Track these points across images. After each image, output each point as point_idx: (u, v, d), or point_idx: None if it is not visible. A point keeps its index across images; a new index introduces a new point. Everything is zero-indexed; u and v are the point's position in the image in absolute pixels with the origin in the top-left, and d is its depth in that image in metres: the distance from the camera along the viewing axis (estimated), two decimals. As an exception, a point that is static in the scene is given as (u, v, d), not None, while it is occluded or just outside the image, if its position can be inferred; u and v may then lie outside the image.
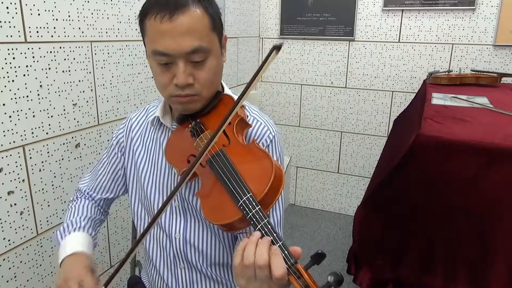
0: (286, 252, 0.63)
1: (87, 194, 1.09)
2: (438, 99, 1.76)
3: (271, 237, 0.65)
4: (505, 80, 2.27)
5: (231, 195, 0.71)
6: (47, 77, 1.28)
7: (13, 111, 1.19)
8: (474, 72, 2.27)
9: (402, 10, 2.50)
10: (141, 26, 0.85)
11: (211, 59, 0.85)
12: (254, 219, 0.67)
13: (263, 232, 0.66)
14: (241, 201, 0.69)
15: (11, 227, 1.23)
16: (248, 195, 0.69)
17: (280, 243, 0.64)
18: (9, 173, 1.21)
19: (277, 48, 0.65)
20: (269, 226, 0.66)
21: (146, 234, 0.76)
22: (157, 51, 0.81)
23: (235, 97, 0.92)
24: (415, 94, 2.41)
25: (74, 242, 0.95)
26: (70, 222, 1.00)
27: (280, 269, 0.61)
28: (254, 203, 0.68)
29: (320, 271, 2.27)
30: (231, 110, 0.73)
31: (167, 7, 0.78)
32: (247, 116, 0.92)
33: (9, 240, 1.23)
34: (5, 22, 1.14)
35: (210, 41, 0.83)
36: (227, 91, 0.97)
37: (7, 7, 1.14)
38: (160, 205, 0.95)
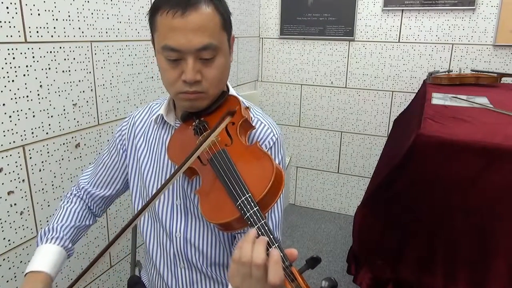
0: (281, 254, 0.63)
1: (85, 191, 1.07)
2: (438, 99, 1.76)
3: (267, 239, 0.65)
4: (505, 80, 2.27)
5: (230, 194, 0.71)
6: (47, 77, 1.28)
7: (13, 111, 1.19)
8: (474, 72, 2.27)
9: (402, 10, 2.50)
10: (151, 21, 0.86)
11: (220, 57, 0.85)
12: (252, 220, 0.66)
13: (259, 233, 0.66)
14: (240, 201, 0.69)
15: (11, 227, 1.23)
16: (247, 195, 0.69)
17: (276, 244, 0.64)
18: (9, 173, 1.21)
19: (230, 114, 0.80)
20: (266, 227, 0.66)
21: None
22: (168, 46, 0.81)
23: (240, 98, 0.92)
24: (415, 94, 2.41)
25: (42, 259, 0.91)
26: (53, 227, 0.97)
27: (277, 278, 0.61)
28: (252, 204, 0.68)
29: (320, 271, 2.28)
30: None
31: (179, 4, 0.79)
32: (251, 118, 0.93)
33: (9, 240, 1.23)
34: (5, 22, 1.14)
35: (219, 39, 0.84)
36: (232, 92, 0.97)
37: (7, 7, 1.14)
38: (161, 202, 0.96)
